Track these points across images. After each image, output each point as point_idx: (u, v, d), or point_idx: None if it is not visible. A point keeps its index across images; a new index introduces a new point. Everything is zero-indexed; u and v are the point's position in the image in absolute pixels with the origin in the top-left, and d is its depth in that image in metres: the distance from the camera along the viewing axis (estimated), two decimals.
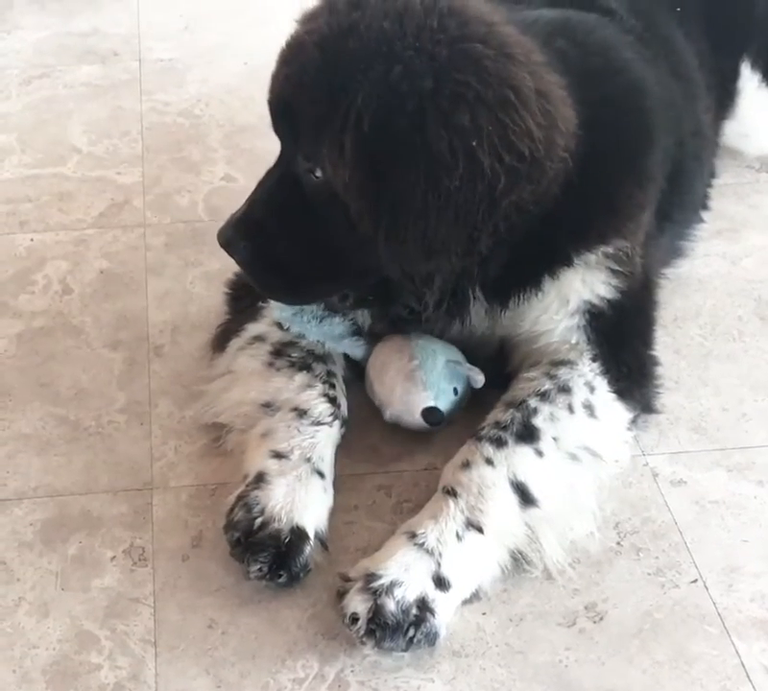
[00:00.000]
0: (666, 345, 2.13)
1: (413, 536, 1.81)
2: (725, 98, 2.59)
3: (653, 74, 2.10)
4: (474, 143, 1.69)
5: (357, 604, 1.73)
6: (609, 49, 2.04)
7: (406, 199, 1.72)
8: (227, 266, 2.27)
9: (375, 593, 1.73)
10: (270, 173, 1.93)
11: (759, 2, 2.59)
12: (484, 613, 1.80)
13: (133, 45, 3.21)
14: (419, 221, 1.73)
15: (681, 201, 2.28)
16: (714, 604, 1.80)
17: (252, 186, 2.63)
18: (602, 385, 1.98)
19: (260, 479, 1.89)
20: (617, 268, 1.98)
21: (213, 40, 3.22)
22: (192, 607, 1.81)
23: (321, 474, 1.92)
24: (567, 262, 1.96)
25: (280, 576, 1.81)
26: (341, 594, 1.77)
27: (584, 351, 2.00)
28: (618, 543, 1.89)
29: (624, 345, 2.04)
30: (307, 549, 1.83)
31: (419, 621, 1.73)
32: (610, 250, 1.97)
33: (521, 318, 2.02)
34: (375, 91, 1.70)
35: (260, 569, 1.80)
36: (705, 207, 2.48)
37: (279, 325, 2.07)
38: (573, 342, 2.01)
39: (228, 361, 2.09)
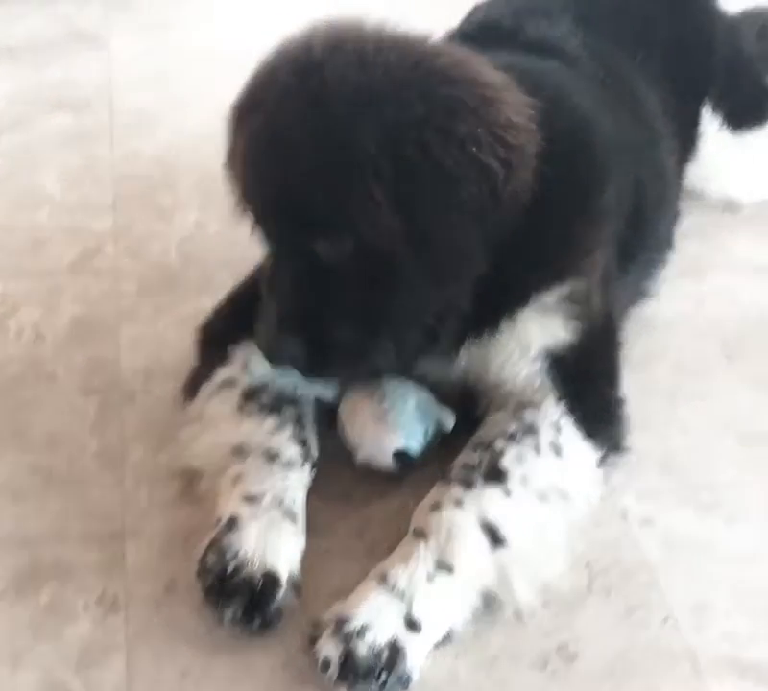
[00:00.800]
0: (634, 385, 2.14)
1: (384, 579, 1.81)
2: (688, 141, 2.64)
3: (608, 116, 2.14)
4: (474, 148, 1.74)
5: (329, 649, 1.74)
6: (562, 92, 2.08)
7: (436, 224, 1.77)
8: (199, 310, 2.31)
9: (347, 637, 1.74)
10: (277, 270, 1.89)
11: (718, 48, 2.65)
12: (456, 656, 1.80)
13: (105, 94, 3.25)
14: (449, 238, 1.79)
15: (644, 241, 2.32)
16: (686, 643, 1.81)
17: (224, 232, 2.69)
18: (568, 425, 2.00)
19: (233, 523, 1.89)
20: (575, 309, 2.00)
21: (185, 89, 3.27)
22: (165, 654, 1.80)
23: (293, 517, 1.92)
24: (524, 302, 1.98)
25: (254, 621, 1.81)
26: (313, 639, 1.77)
27: (549, 393, 2.02)
28: (589, 583, 1.90)
29: (589, 386, 2.06)
30: (280, 594, 1.83)
31: (391, 664, 1.73)
32: (566, 290, 1.99)
33: (484, 363, 2.04)
34: (381, 137, 1.72)
35: (234, 615, 1.80)
36: (670, 248, 2.52)
37: (253, 369, 2.08)
38: (538, 384, 2.03)
39: (200, 406, 2.10)
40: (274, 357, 1.90)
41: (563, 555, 1.90)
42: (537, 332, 2.01)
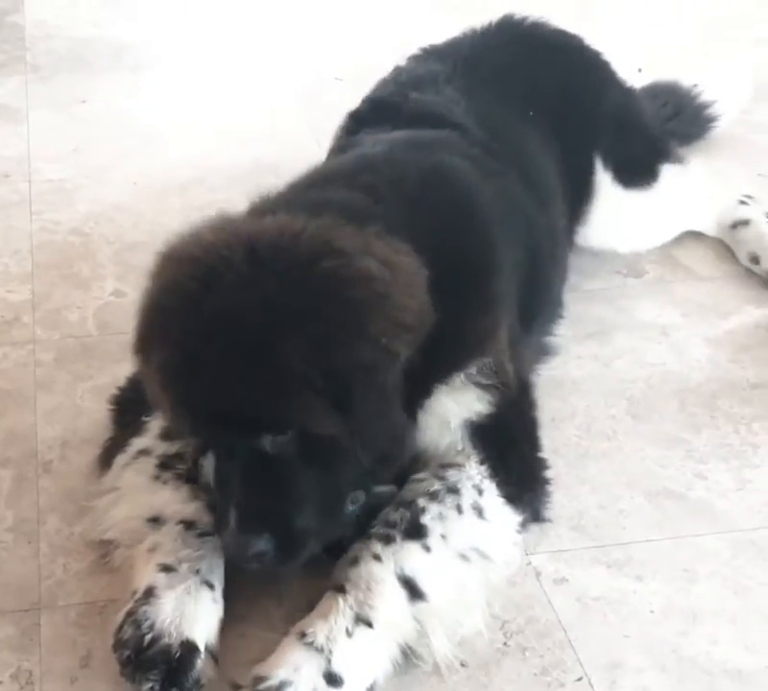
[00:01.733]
0: (545, 446, 2.18)
1: (302, 635, 1.82)
2: (581, 193, 2.70)
3: (495, 186, 2.21)
4: (384, 341, 1.78)
5: None
6: (442, 175, 2.15)
7: (367, 408, 1.79)
8: (116, 379, 2.32)
9: None
10: (224, 470, 1.88)
11: (605, 100, 2.74)
12: None
13: (24, 167, 3.26)
14: (379, 413, 1.82)
15: (541, 299, 2.39)
16: None
17: None
18: (490, 488, 2.03)
19: (149, 594, 1.88)
20: (487, 382, 2.04)
21: (102, 161, 3.29)
22: None
23: (210, 585, 1.92)
24: (438, 382, 2.01)
25: None
26: None
27: (471, 455, 2.06)
28: (505, 644, 1.92)
29: (510, 449, 2.10)
30: (198, 662, 1.82)
31: None
32: (473, 370, 2.03)
33: None
34: (306, 351, 1.74)
35: (152, 688, 1.79)
36: (561, 304, 2.58)
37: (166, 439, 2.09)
38: (460, 448, 2.07)
39: (114, 477, 2.09)
40: (242, 558, 1.86)
41: (481, 612, 1.93)
42: (453, 407, 2.05)
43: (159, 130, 3.47)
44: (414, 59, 2.78)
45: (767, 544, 2.10)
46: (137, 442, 2.11)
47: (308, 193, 2.08)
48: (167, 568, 1.91)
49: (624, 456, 2.29)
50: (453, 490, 2.00)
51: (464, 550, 1.95)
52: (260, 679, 1.76)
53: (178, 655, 1.81)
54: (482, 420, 2.07)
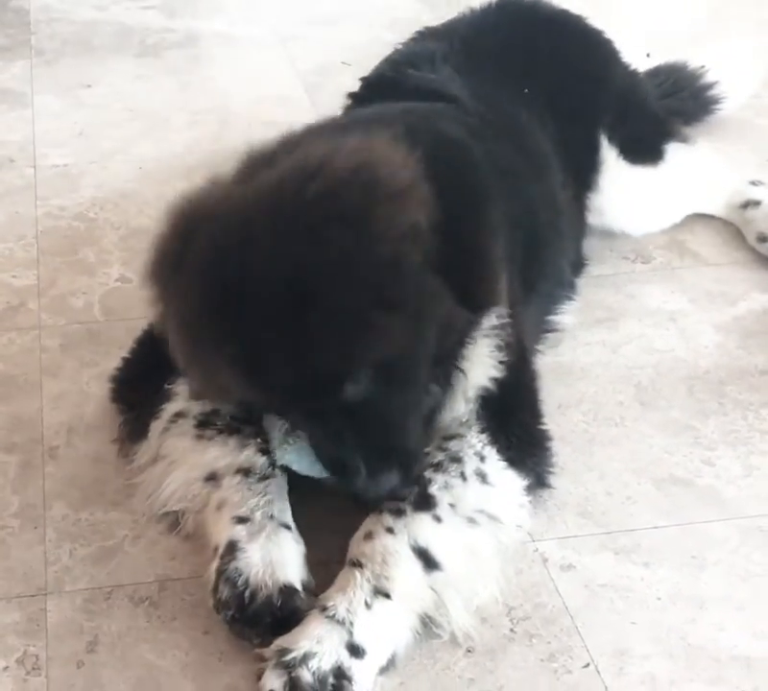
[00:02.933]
0: (552, 432, 2.18)
1: (323, 609, 1.84)
2: (587, 170, 2.71)
3: (486, 148, 2.22)
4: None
5: (273, 680, 1.75)
6: (437, 136, 2.16)
7: (419, 311, 1.81)
8: None
9: (289, 667, 1.75)
10: (323, 427, 1.87)
11: (609, 80, 2.73)
12: None
13: (29, 152, 3.25)
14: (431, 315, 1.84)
15: (542, 271, 2.38)
16: (606, 688, 1.83)
17: None
18: (492, 454, 2.04)
19: (233, 548, 1.91)
20: (500, 339, 2.05)
21: (107, 146, 3.28)
22: None
23: (287, 527, 1.96)
24: (473, 330, 2.01)
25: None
26: (259, 676, 1.78)
27: (472, 425, 2.07)
28: (511, 630, 1.92)
29: (510, 417, 2.11)
30: (299, 602, 1.86)
31: (337, 690, 1.75)
32: (493, 321, 2.03)
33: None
34: (356, 271, 1.74)
35: (262, 639, 1.83)
36: (572, 287, 2.58)
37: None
38: (464, 419, 2.08)
39: (156, 445, 2.10)
40: (379, 498, 1.91)
41: (495, 579, 1.94)
42: (478, 372, 2.05)
43: (165, 114, 3.46)
44: (412, 39, 2.80)
45: None
46: (170, 407, 2.11)
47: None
48: (242, 520, 1.94)
49: (631, 443, 2.28)
50: (456, 459, 2.02)
51: (472, 514, 1.97)
52: (284, 652, 1.77)
53: (280, 603, 1.84)
54: (492, 390, 2.07)
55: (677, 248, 2.87)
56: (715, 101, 3.23)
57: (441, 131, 2.19)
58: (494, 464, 2.04)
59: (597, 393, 2.40)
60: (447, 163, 1.99)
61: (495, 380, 2.07)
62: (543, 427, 2.17)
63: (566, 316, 2.54)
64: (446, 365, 2.00)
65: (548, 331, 2.49)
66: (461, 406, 2.08)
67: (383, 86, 2.60)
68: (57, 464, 2.22)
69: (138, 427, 2.14)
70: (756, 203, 2.90)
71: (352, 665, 1.78)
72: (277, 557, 1.90)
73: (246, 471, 2.00)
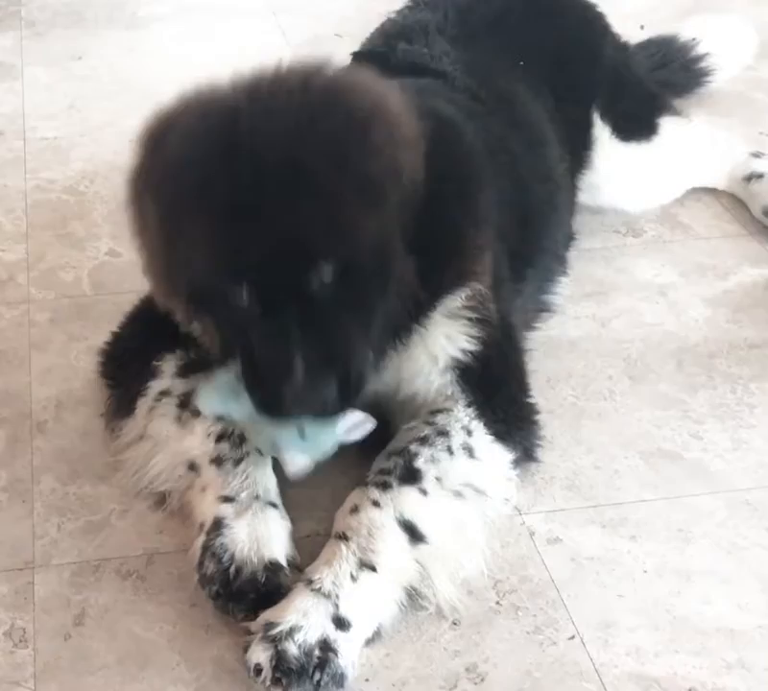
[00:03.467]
0: (540, 406, 2.18)
1: (309, 582, 1.84)
2: (580, 147, 2.69)
3: (479, 124, 2.22)
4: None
5: (259, 653, 1.75)
6: (429, 106, 2.13)
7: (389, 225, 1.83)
8: None
9: (275, 640, 1.76)
10: (270, 320, 1.80)
11: (602, 55, 2.72)
12: (367, 680, 1.81)
13: (18, 124, 3.24)
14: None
15: (538, 246, 2.37)
16: (592, 660, 1.84)
17: (137, 261, 2.67)
18: (479, 428, 2.05)
19: (219, 525, 1.92)
20: (475, 315, 2.05)
21: (97, 119, 3.27)
22: (74, 687, 1.79)
23: (273, 505, 1.97)
24: (431, 308, 2.02)
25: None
26: (245, 649, 1.78)
27: (459, 399, 2.07)
28: (497, 603, 1.92)
29: (496, 391, 2.11)
30: (284, 578, 1.87)
31: (323, 663, 1.75)
32: (466, 293, 2.04)
33: (397, 377, 2.08)
34: (331, 161, 1.74)
35: (246, 615, 1.84)
36: (565, 262, 2.57)
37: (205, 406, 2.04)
38: (449, 393, 2.08)
39: (141, 424, 2.10)
40: (311, 408, 1.83)
41: (481, 551, 1.95)
42: (443, 342, 2.05)
43: (155, 87, 3.37)
44: (406, 9, 2.78)
45: (762, 504, 2.10)
46: (156, 385, 2.12)
47: None
48: (228, 499, 1.95)
49: (620, 416, 2.28)
50: (443, 433, 2.02)
51: (458, 488, 1.97)
52: (270, 625, 1.78)
53: (264, 579, 1.85)
54: (469, 362, 2.07)
55: (668, 221, 2.86)
56: (706, 73, 3.21)
57: (432, 111, 2.14)
58: (482, 437, 2.04)
59: (586, 367, 2.39)
60: (437, 146, 1.97)
61: (471, 353, 2.06)
62: (531, 401, 2.17)
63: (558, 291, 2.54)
64: (401, 327, 2.00)
65: (544, 310, 2.49)
66: (434, 375, 2.07)
67: (373, 61, 2.53)
68: (45, 439, 2.22)
69: (125, 404, 2.15)
70: (760, 176, 2.89)
71: (338, 638, 1.78)
72: (263, 533, 1.90)
73: (219, 461, 2.00)
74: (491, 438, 2.05)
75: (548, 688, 1.80)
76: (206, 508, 1.96)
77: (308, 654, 1.75)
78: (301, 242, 1.75)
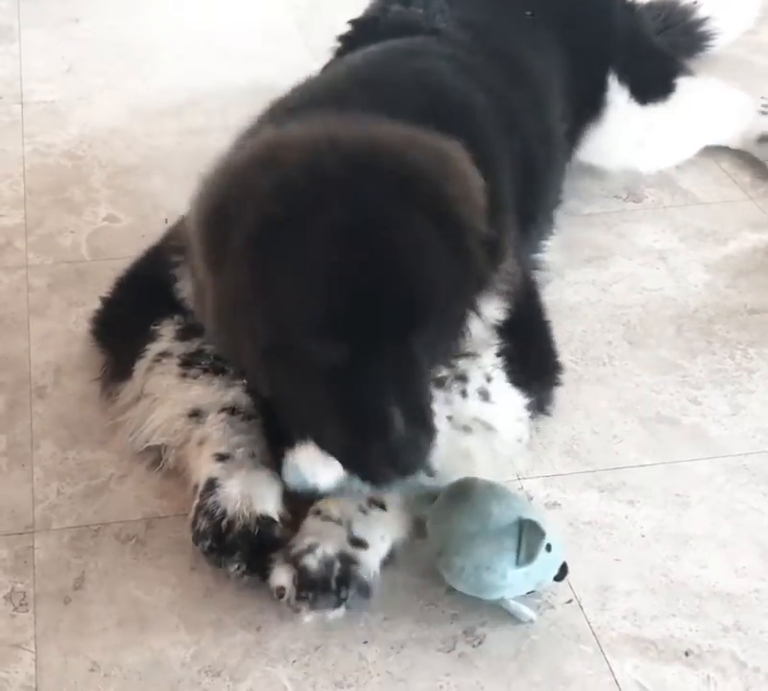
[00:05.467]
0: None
1: (318, 512, 1.87)
2: (590, 109, 2.69)
3: (474, 79, 2.23)
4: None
5: (281, 575, 1.79)
6: (419, 82, 2.16)
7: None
8: None
9: (295, 559, 1.79)
10: (365, 377, 1.71)
11: (614, 17, 2.70)
12: (365, 642, 1.82)
13: (16, 88, 3.22)
14: None
15: (538, 202, 2.37)
16: (589, 623, 1.85)
17: (136, 226, 2.69)
18: (500, 376, 2.03)
19: (212, 485, 1.92)
20: (507, 288, 2.03)
21: (96, 82, 3.25)
22: (74, 650, 1.80)
23: (268, 464, 1.96)
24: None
25: (263, 572, 1.83)
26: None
27: (491, 345, 2.04)
28: None
29: (528, 344, 2.11)
30: (277, 533, 1.87)
31: (345, 576, 1.78)
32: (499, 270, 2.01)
33: None
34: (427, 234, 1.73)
35: (239, 567, 1.84)
36: (553, 219, 2.56)
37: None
38: (480, 338, 2.04)
39: (139, 384, 2.09)
40: (413, 458, 1.74)
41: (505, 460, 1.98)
42: (489, 313, 2.03)
43: (154, 50, 3.41)
44: None
45: (759, 469, 2.10)
46: (155, 347, 2.10)
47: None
48: (222, 457, 1.94)
49: (619, 381, 2.28)
50: (461, 378, 2.01)
51: (467, 422, 1.97)
52: (289, 548, 1.81)
53: (257, 531, 1.85)
54: (502, 320, 2.05)
55: (668, 186, 2.84)
56: (707, 37, 3.21)
57: (441, 92, 2.14)
58: (500, 384, 2.03)
59: (585, 332, 2.39)
60: (454, 132, 1.93)
61: (508, 311, 2.05)
62: (557, 358, 2.18)
63: (555, 254, 2.52)
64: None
65: (536, 269, 2.47)
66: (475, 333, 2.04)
67: (368, 27, 2.59)
68: (44, 404, 2.23)
69: (122, 367, 2.14)
70: None
71: (357, 552, 1.81)
72: (256, 491, 1.90)
73: (231, 410, 1.99)
74: (508, 385, 2.04)
75: (545, 651, 1.81)
76: (201, 465, 1.95)
77: (329, 565, 1.78)
78: (406, 298, 1.70)
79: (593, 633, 1.84)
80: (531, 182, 2.30)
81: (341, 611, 1.80)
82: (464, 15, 2.48)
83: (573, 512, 2.02)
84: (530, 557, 1.77)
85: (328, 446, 1.79)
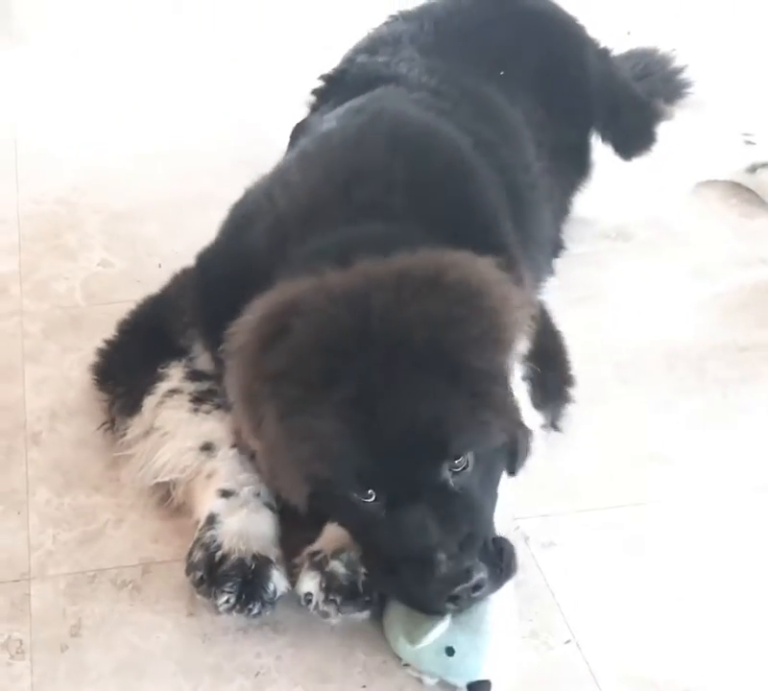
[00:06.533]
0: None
1: None
2: (577, 165, 2.72)
3: (447, 119, 2.27)
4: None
5: (307, 582, 1.81)
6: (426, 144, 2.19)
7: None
8: None
9: (321, 564, 1.81)
10: (410, 514, 1.73)
11: (589, 69, 2.72)
12: (364, 686, 1.80)
13: (10, 134, 3.24)
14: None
15: (528, 231, 2.35)
16: (588, 664, 1.84)
17: (130, 270, 2.71)
18: (524, 399, 2.01)
19: (212, 520, 1.93)
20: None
21: (88, 128, 3.27)
22: None
23: (271, 507, 1.97)
24: None
25: (252, 608, 1.83)
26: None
27: (516, 371, 2.01)
28: None
29: (549, 366, 2.14)
30: (274, 573, 1.86)
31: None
32: None
33: None
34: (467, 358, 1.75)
35: (228, 600, 1.83)
36: (550, 269, 2.58)
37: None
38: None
39: (149, 418, 2.10)
40: (465, 590, 1.72)
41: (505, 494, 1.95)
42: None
43: (146, 97, 3.44)
44: (385, 23, 2.80)
45: (757, 507, 2.11)
46: (164, 385, 2.13)
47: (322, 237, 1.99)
48: (226, 493, 1.96)
49: (613, 421, 2.29)
50: None
51: None
52: (314, 554, 1.84)
53: (253, 567, 1.85)
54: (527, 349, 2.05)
55: (657, 225, 2.86)
56: (687, 84, 3.24)
57: (430, 148, 2.17)
58: (524, 407, 1.98)
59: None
60: (449, 192, 2.04)
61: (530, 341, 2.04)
62: (571, 373, 2.23)
63: (546, 294, 2.53)
64: None
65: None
66: None
67: (336, 80, 2.64)
68: (40, 450, 2.23)
69: (131, 402, 2.15)
70: (765, 165, 2.93)
71: None
72: (255, 530, 1.91)
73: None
74: (530, 407, 2.05)
75: None
76: (205, 500, 1.96)
77: (355, 570, 1.79)
78: (440, 438, 1.71)
79: (592, 674, 1.83)
80: (520, 210, 2.31)
81: (366, 614, 1.82)
82: (430, 62, 2.50)
83: (570, 552, 2.03)
84: (413, 640, 1.76)
85: (385, 579, 1.79)
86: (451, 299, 1.75)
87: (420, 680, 1.81)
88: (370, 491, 1.73)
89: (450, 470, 1.73)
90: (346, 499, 1.76)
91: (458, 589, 1.70)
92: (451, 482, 1.74)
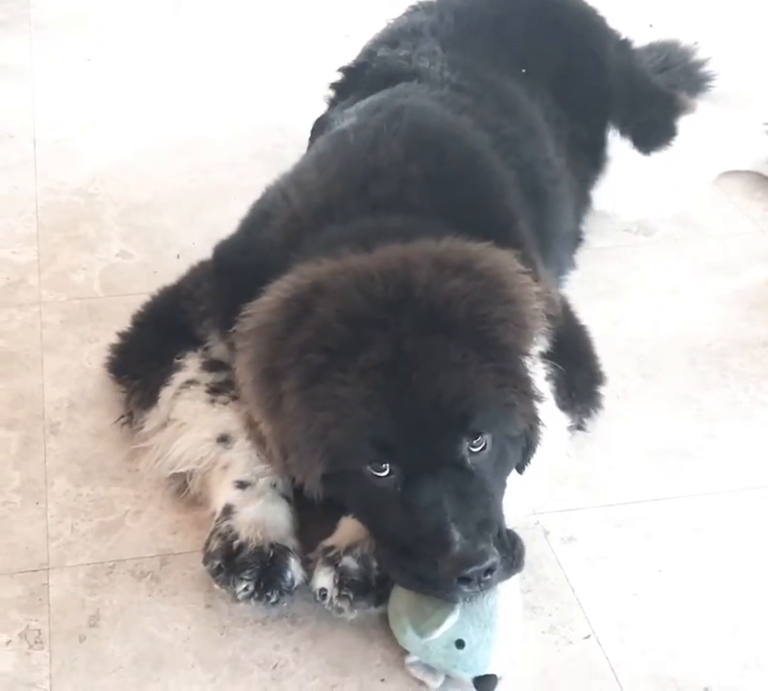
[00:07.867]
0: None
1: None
2: (594, 160, 2.71)
3: (469, 115, 2.28)
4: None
5: (321, 578, 1.82)
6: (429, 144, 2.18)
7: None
8: None
9: (334, 560, 1.81)
10: (428, 489, 1.72)
11: (609, 62, 2.71)
12: (383, 680, 1.80)
13: (28, 127, 3.24)
14: None
15: (552, 226, 2.36)
16: (607, 659, 1.83)
17: (148, 262, 2.70)
18: (548, 401, 1.98)
19: (228, 511, 1.93)
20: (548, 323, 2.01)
21: (107, 121, 3.27)
22: (89, 689, 1.79)
23: (287, 498, 1.97)
24: None
25: (270, 596, 1.83)
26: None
27: (538, 371, 2.00)
28: None
29: (575, 366, 2.13)
30: (292, 561, 1.87)
31: (384, 574, 1.79)
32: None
33: None
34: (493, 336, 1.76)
35: (246, 588, 1.84)
36: (572, 264, 2.57)
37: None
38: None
39: (166, 410, 2.11)
40: (477, 572, 1.68)
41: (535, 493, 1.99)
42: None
43: (165, 88, 3.44)
44: (406, 12, 2.80)
45: None
46: (181, 376, 2.13)
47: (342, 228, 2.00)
48: (243, 484, 1.96)
49: (633, 415, 2.28)
50: None
51: None
52: (328, 549, 1.86)
53: (271, 554, 1.86)
54: (549, 348, 2.05)
55: (679, 220, 2.85)
56: (708, 77, 3.23)
57: (448, 148, 2.17)
58: (548, 409, 1.97)
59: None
60: (467, 191, 2.04)
61: (552, 336, 2.03)
62: (601, 370, 2.22)
63: (568, 288, 2.52)
64: None
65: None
66: None
67: (356, 74, 2.64)
68: (58, 440, 2.23)
69: (147, 394, 2.15)
70: None
71: None
72: (272, 519, 1.91)
73: None
74: (555, 409, 2.04)
75: (564, 688, 1.80)
76: (221, 492, 1.97)
77: (367, 566, 1.80)
78: (464, 412, 1.71)
79: (612, 670, 1.82)
80: (541, 201, 2.32)
81: (381, 609, 1.82)
82: (452, 56, 2.49)
83: (590, 546, 2.01)
84: (422, 632, 1.75)
85: (397, 564, 1.77)
86: (485, 284, 1.77)
87: (423, 683, 1.80)
88: (384, 465, 1.72)
89: (469, 449, 1.73)
90: (360, 477, 1.74)
91: (470, 570, 1.67)
92: (468, 460, 1.73)
